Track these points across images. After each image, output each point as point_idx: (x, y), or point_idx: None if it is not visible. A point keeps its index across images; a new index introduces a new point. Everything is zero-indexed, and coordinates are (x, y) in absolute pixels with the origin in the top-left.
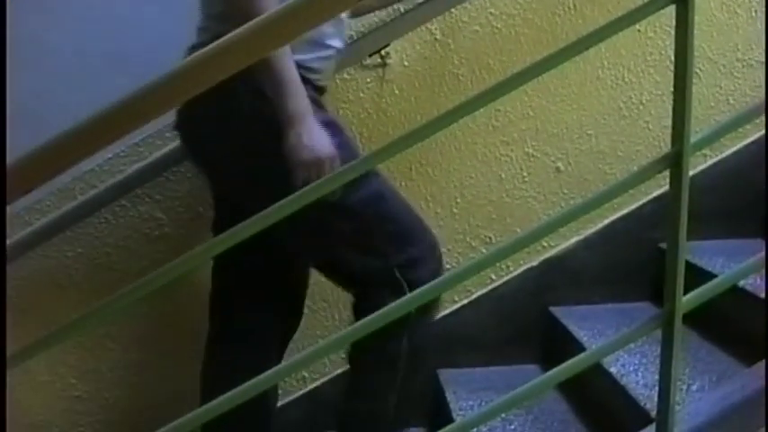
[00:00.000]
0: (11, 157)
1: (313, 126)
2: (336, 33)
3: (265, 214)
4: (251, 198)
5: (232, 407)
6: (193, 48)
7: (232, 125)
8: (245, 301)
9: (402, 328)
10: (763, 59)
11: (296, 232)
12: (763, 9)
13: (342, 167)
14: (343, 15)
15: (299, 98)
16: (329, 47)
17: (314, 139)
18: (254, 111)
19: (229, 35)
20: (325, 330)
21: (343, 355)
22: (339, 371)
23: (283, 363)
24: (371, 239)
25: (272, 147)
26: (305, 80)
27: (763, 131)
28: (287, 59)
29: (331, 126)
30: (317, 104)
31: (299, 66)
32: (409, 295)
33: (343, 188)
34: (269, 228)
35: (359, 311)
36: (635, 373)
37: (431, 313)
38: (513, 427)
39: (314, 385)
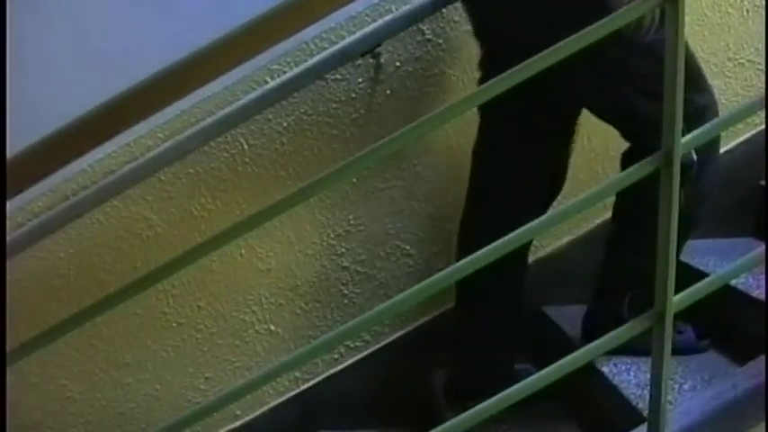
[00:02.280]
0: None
1: None
2: None
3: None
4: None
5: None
6: None
7: None
8: (511, 154)
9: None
10: (755, 58)
11: (584, 70)
12: (755, 8)
13: (336, 166)
14: None
15: None
16: None
17: None
18: None
19: (220, 36)
20: (316, 330)
21: (336, 356)
22: (332, 371)
23: (276, 363)
24: (659, 82)
25: None
26: None
27: (754, 131)
28: None
29: None
30: None
31: None
32: None
33: (638, 26)
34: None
35: (629, 158)
36: (627, 372)
37: (710, 169)
38: (505, 426)
39: (306, 385)
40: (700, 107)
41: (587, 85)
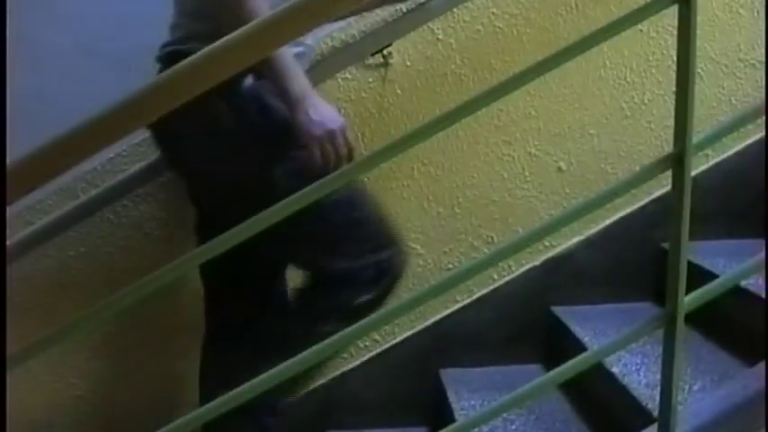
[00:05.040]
0: (10, 157)
1: (318, 101)
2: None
3: (259, 218)
4: (231, 207)
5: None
6: (165, 46)
7: (213, 138)
8: (233, 301)
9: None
10: (765, 59)
11: (269, 233)
12: (765, 9)
13: (345, 167)
14: None
15: (299, 78)
16: (300, 44)
17: (321, 113)
18: (235, 123)
19: (230, 36)
20: None
21: (345, 355)
22: (336, 373)
23: (285, 362)
24: (342, 243)
25: (254, 158)
26: None
27: (764, 132)
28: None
29: None
30: None
31: None
32: (393, 307)
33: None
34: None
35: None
36: (637, 372)
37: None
38: (514, 426)
39: (316, 385)
40: (384, 259)
41: (272, 245)
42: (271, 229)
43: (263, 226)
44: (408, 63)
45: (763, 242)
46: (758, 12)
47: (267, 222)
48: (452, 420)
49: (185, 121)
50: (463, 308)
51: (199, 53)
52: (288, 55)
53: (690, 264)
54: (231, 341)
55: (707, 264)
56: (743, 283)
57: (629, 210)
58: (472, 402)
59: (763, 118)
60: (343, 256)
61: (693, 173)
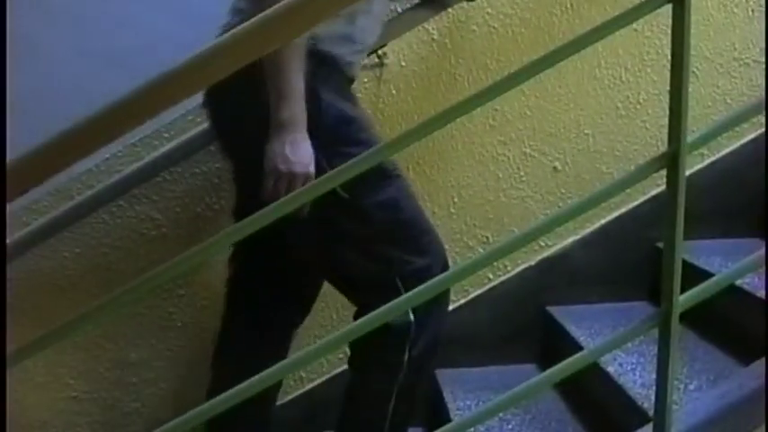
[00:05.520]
0: (10, 157)
1: (301, 140)
2: (373, 30)
3: (267, 211)
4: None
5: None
6: (227, 26)
7: (252, 111)
8: (259, 291)
9: (403, 338)
10: (760, 58)
11: (302, 228)
12: (761, 8)
13: (342, 166)
14: (380, 9)
15: (296, 108)
16: (363, 42)
17: (298, 153)
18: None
19: (228, 34)
20: (323, 330)
21: (341, 356)
22: (337, 370)
23: (281, 362)
24: (378, 245)
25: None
26: (338, 71)
27: (760, 131)
28: (296, 65)
29: (359, 121)
30: (348, 94)
31: (335, 59)
32: (404, 296)
33: (359, 188)
34: (280, 224)
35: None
36: (632, 372)
37: (432, 325)
38: (510, 426)
39: (311, 385)
40: (419, 268)
41: (306, 241)
42: (303, 222)
43: (276, 216)
44: (403, 63)
45: (758, 241)
46: (753, 11)
47: (280, 213)
48: (448, 420)
49: (228, 88)
50: (459, 308)
51: (197, 51)
52: (297, 81)
53: (685, 263)
54: (250, 331)
55: (702, 263)
56: (738, 282)
57: (624, 209)
58: (468, 402)
59: (758, 117)
60: (379, 260)
61: (688, 172)
